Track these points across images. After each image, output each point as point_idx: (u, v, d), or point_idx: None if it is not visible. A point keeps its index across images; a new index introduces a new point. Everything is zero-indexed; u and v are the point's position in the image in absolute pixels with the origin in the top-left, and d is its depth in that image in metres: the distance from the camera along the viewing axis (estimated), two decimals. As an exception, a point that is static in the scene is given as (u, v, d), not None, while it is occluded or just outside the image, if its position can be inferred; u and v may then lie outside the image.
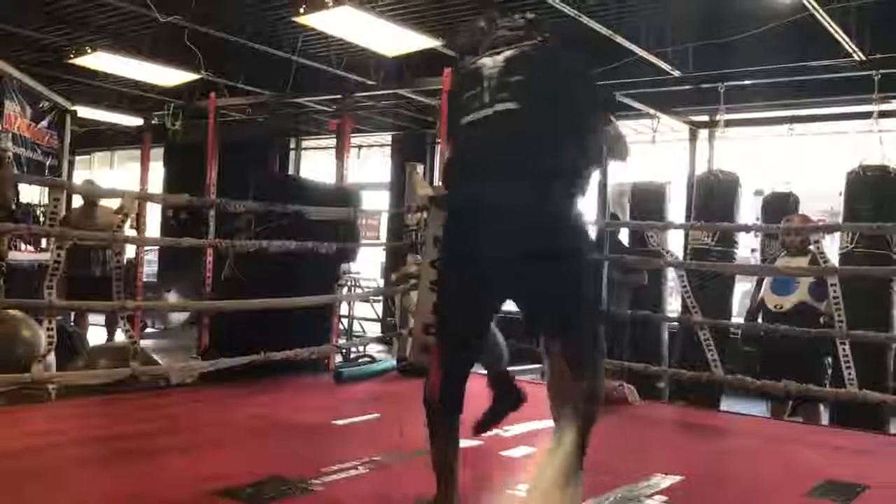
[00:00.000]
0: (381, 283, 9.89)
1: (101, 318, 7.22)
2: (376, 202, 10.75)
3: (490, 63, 2.54)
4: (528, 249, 2.33)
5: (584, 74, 2.64)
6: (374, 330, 9.89)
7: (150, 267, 10.61)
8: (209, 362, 4.73)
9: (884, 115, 7.18)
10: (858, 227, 5.74)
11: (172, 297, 10.19)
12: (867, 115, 7.10)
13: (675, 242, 7.41)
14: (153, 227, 10.56)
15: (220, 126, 7.85)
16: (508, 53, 2.55)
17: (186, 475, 2.92)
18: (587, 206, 2.85)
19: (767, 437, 4.25)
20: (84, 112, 9.99)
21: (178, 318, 10.74)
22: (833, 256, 6.13)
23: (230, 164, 7.80)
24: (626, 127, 9.04)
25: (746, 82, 7.66)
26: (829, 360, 4.97)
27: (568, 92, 2.51)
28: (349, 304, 9.45)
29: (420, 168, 10.51)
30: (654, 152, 8.78)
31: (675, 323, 6.65)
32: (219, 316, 5.63)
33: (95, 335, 7.07)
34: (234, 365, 4.62)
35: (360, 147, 11.90)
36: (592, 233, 2.82)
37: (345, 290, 8.65)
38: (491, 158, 2.47)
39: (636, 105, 8.00)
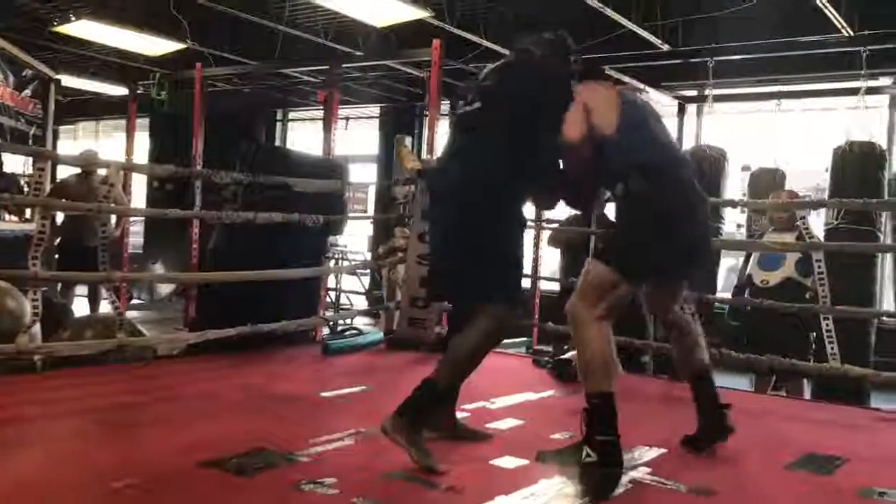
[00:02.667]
0: (369, 256, 9.89)
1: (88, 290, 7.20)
2: (364, 175, 10.72)
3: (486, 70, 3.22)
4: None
5: (532, 93, 3.05)
6: (362, 303, 9.91)
7: (135, 238, 10.57)
8: (196, 334, 4.73)
9: (871, 91, 7.21)
10: (844, 204, 5.78)
11: (158, 269, 10.16)
12: (855, 92, 7.12)
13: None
14: (139, 198, 10.51)
15: (206, 96, 7.78)
16: (496, 63, 3.25)
17: (172, 446, 2.93)
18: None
19: (750, 410, 4.29)
20: (68, 81, 9.89)
21: (164, 289, 10.72)
22: (819, 232, 6.18)
23: (216, 135, 7.74)
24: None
25: (735, 57, 7.65)
26: (814, 335, 5.02)
27: (517, 103, 3.01)
28: (336, 276, 9.46)
29: (408, 141, 10.47)
30: (643, 127, 8.77)
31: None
32: (205, 287, 5.62)
33: (82, 307, 7.04)
34: (220, 337, 4.62)
35: (347, 119, 11.83)
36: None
37: (332, 262, 8.65)
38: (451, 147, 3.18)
39: (625, 79, 7.98)
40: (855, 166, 6.32)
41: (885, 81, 7.64)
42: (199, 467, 2.67)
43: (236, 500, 2.47)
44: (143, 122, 10.86)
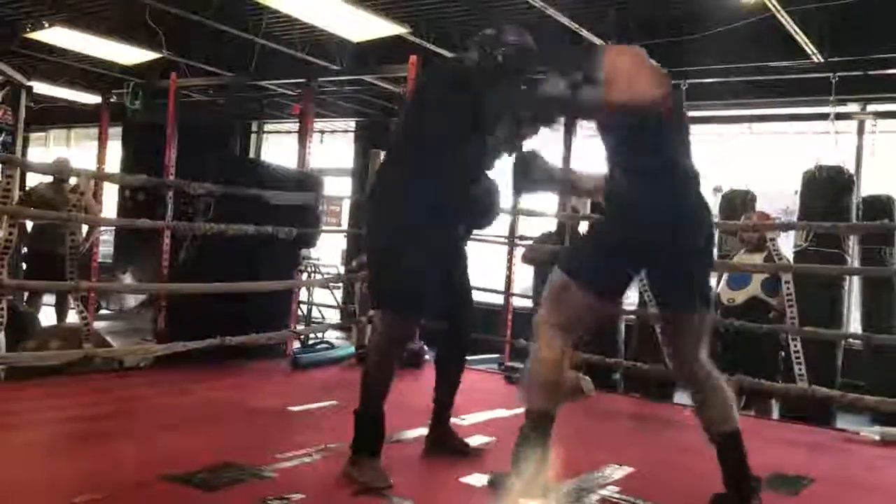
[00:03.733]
0: (342, 269, 9.84)
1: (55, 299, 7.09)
2: (339, 188, 10.69)
3: None
4: None
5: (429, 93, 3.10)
6: (334, 317, 9.85)
7: (105, 248, 10.43)
8: (164, 345, 4.67)
9: (840, 116, 7.33)
10: (813, 226, 5.85)
11: (128, 279, 10.04)
12: (824, 117, 7.23)
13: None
14: (110, 208, 10.39)
15: (180, 107, 7.72)
16: None
17: (135, 460, 2.89)
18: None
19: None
20: (40, 88, 9.76)
21: (133, 300, 10.58)
22: (788, 254, 6.26)
23: (190, 146, 7.68)
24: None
25: (708, 81, 7.74)
26: (783, 354, 5.07)
27: (408, 112, 3.14)
28: (308, 289, 9.40)
29: (383, 155, 10.46)
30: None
31: (632, 316, 6.71)
32: (175, 299, 5.55)
33: (48, 316, 6.93)
34: (189, 349, 4.57)
35: (322, 132, 11.80)
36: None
37: (304, 275, 8.60)
38: None
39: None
40: (824, 190, 6.42)
41: (853, 107, 7.78)
42: (163, 482, 2.63)
43: (201, 516, 2.43)
44: (115, 132, 10.77)
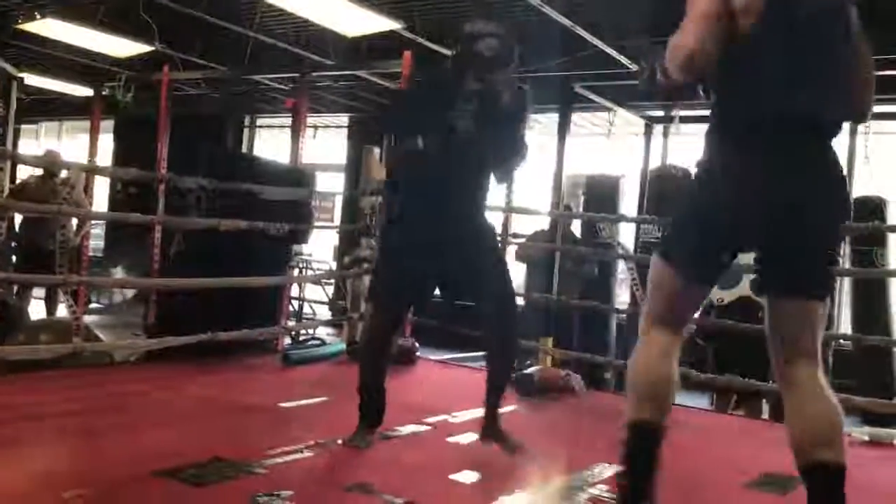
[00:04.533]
0: (334, 266, 9.82)
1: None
2: (331, 184, 10.66)
3: None
4: None
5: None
6: (325, 313, 9.83)
7: (96, 241, 10.38)
8: (155, 340, 4.65)
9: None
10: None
11: (119, 273, 9.98)
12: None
13: (626, 235, 7.50)
14: (102, 201, 10.33)
15: (173, 100, 7.68)
16: None
17: (126, 455, 2.87)
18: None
19: (710, 429, 4.33)
20: (32, 80, 9.70)
21: (124, 294, 10.53)
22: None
23: (182, 140, 7.64)
24: (583, 119, 9.17)
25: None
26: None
27: None
28: (300, 286, 9.38)
29: (377, 151, 10.44)
30: (610, 146, 8.86)
31: (624, 315, 6.72)
32: (166, 294, 5.53)
33: (39, 310, 6.90)
34: (179, 344, 4.55)
35: (315, 127, 11.77)
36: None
37: (296, 271, 8.57)
38: None
39: (594, 97, 8.05)
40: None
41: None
42: (154, 477, 2.61)
43: (191, 512, 2.42)
44: (107, 125, 10.71)
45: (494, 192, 3.40)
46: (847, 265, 6.87)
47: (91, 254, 8.36)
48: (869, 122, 7.69)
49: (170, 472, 2.65)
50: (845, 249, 6.85)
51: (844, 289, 7.20)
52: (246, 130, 12.75)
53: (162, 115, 7.27)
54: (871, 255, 6.88)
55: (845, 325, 7.22)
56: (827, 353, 6.19)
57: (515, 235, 8.22)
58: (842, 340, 6.53)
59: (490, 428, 3.29)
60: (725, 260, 2.26)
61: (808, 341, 2.11)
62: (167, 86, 7.44)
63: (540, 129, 9.82)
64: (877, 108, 7.95)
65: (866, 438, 4.29)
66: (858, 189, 7.42)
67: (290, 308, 7.84)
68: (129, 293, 10.27)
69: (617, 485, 2.25)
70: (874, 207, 6.96)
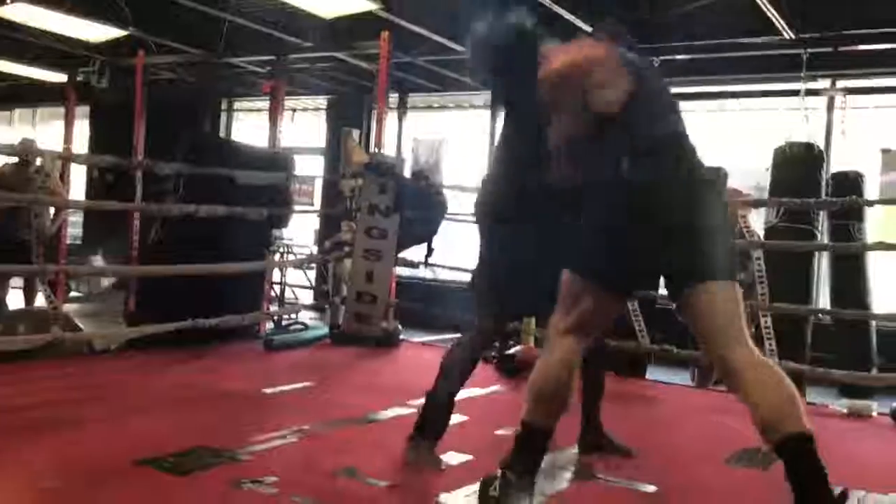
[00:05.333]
0: (315, 250, 9.79)
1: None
2: (310, 168, 10.59)
3: None
4: None
5: None
6: (307, 297, 9.81)
7: (74, 229, 10.28)
8: (135, 328, 4.62)
9: (810, 93, 7.38)
10: (783, 203, 5.90)
11: (98, 261, 9.90)
12: (796, 93, 7.28)
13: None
14: (78, 188, 10.22)
15: (149, 85, 7.60)
16: None
17: (107, 444, 2.86)
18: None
19: (691, 405, 4.37)
20: (4, 66, 9.55)
21: (104, 282, 10.45)
22: (759, 230, 6.30)
23: (159, 125, 7.56)
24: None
25: (678, 57, 7.75)
26: (754, 330, 5.13)
27: None
28: (281, 270, 9.34)
29: (356, 133, 10.38)
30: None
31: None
32: (146, 281, 5.49)
33: (17, 300, 6.82)
34: (160, 332, 4.52)
35: (294, 110, 11.68)
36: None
37: (277, 256, 8.54)
38: None
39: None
40: (794, 166, 6.46)
41: (824, 84, 7.83)
42: (136, 466, 2.60)
43: (174, 500, 2.41)
44: (83, 111, 10.59)
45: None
46: (825, 240, 6.92)
47: (69, 242, 8.29)
48: (846, 97, 7.75)
49: (152, 460, 2.64)
50: (823, 224, 6.90)
51: (823, 264, 7.26)
52: (223, 114, 12.62)
53: (137, 100, 7.20)
54: (849, 230, 6.93)
55: (824, 300, 7.29)
56: (806, 328, 6.26)
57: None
58: (820, 315, 6.58)
59: (601, 442, 3.14)
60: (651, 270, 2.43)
61: (734, 327, 2.20)
62: (142, 71, 7.36)
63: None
64: (853, 84, 8.02)
65: (845, 411, 4.35)
66: (836, 164, 7.47)
67: (272, 293, 7.82)
68: (109, 281, 10.20)
69: (500, 470, 2.36)
70: (851, 182, 7.01)
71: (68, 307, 5.73)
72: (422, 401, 3.83)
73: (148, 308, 5.19)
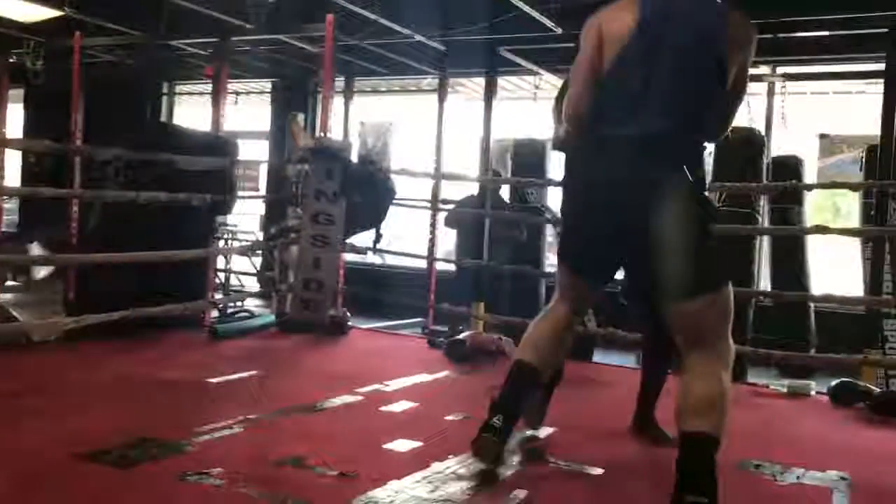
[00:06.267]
0: (260, 236, 9.66)
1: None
2: (255, 152, 10.44)
3: None
4: None
5: None
6: (253, 285, 9.68)
7: (11, 216, 9.97)
8: (75, 319, 4.50)
9: (752, 79, 7.49)
10: (726, 187, 6.01)
11: (35, 249, 9.61)
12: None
13: (554, 200, 7.57)
14: (13, 175, 9.90)
15: (87, 68, 7.37)
16: None
17: (46, 438, 2.77)
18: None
19: (637, 387, 4.42)
20: (-69, 48, 9.17)
21: (41, 271, 10.15)
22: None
23: (98, 110, 7.36)
24: (510, 83, 9.17)
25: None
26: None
27: None
28: (226, 257, 9.20)
29: (301, 118, 10.25)
30: (537, 109, 8.87)
31: (553, 278, 6.81)
32: (86, 270, 5.35)
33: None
34: (101, 322, 4.41)
35: (237, 94, 11.48)
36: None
37: (221, 243, 8.41)
38: None
39: (519, 61, 8.04)
40: (736, 151, 6.58)
41: (764, 70, 7.98)
42: (76, 460, 2.53)
43: (117, 494, 2.35)
44: (17, 94, 10.23)
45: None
46: (765, 223, 7.08)
47: (4, 230, 8.04)
48: (785, 83, 7.91)
49: (94, 455, 2.58)
50: (764, 209, 7.05)
51: (764, 247, 7.43)
52: (164, 98, 12.34)
53: (74, 83, 6.98)
54: (789, 214, 7.10)
55: (765, 282, 7.46)
56: (747, 310, 6.40)
57: (445, 201, 8.21)
58: (761, 297, 6.73)
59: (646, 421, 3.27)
60: (613, 264, 2.65)
61: (698, 334, 2.36)
62: (79, 53, 7.14)
63: (466, 93, 9.80)
64: (792, 69, 8.18)
65: (785, 391, 4.46)
66: (776, 149, 7.63)
67: (217, 281, 7.70)
68: (47, 270, 9.91)
69: (491, 403, 2.64)
70: (791, 167, 7.18)
71: (4, 297, 5.54)
72: (372, 388, 3.84)
73: (88, 298, 5.06)
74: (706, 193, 2.49)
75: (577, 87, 2.54)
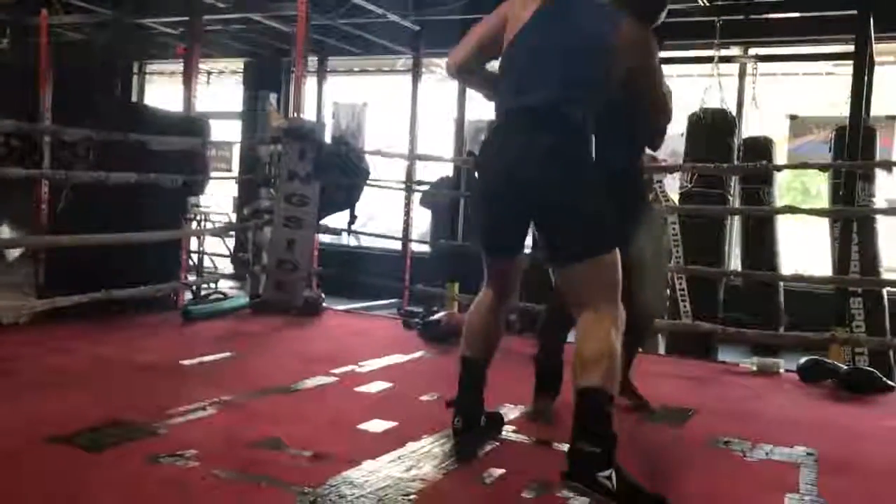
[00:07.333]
0: (234, 217, 9.60)
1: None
2: (227, 133, 10.34)
3: None
4: None
5: None
6: (226, 266, 9.62)
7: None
8: (45, 301, 4.45)
9: (724, 60, 7.55)
10: (697, 168, 6.06)
11: (3, 231, 9.48)
12: (709, 60, 7.43)
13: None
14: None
15: (55, 47, 7.24)
16: None
17: (16, 422, 2.74)
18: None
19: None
20: None
21: (11, 253, 10.02)
22: (674, 195, 6.46)
23: (67, 89, 7.22)
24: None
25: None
26: (668, 292, 5.28)
27: None
28: (199, 239, 9.13)
29: (273, 98, 10.16)
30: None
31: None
32: (56, 251, 5.29)
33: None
34: (71, 304, 4.37)
35: (209, 73, 11.35)
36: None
37: (193, 224, 8.34)
38: None
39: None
40: (707, 132, 6.63)
41: (736, 51, 8.03)
42: (47, 443, 2.51)
43: (88, 477, 2.33)
44: (-18, 73, 10.03)
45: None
46: (737, 203, 7.15)
47: (-29, 211, 7.89)
48: (756, 65, 7.96)
49: (66, 438, 2.56)
50: (735, 189, 7.12)
51: (735, 227, 7.51)
52: (135, 78, 12.18)
53: (42, 62, 6.86)
54: (759, 194, 7.18)
55: (736, 262, 7.55)
56: (719, 289, 6.48)
57: (420, 182, 8.20)
58: (732, 276, 6.82)
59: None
60: (515, 233, 2.66)
61: (586, 295, 2.43)
62: (46, 31, 7.01)
63: (441, 73, 9.76)
64: (763, 51, 8.24)
65: (754, 368, 4.53)
66: (748, 130, 7.70)
67: (190, 262, 7.65)
68: (17, 252, 9.78)
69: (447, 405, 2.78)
70: (761, 148, 7.25)
71: (-29, 280, 5.47)
72: (346, 369, 3.84)
73: (59, 280, 4.99)
74: (591, 161, 2.54)
75: (465, 39, 2.75)
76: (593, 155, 2.56)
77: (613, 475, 2.19)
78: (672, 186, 6.51)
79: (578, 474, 2.23)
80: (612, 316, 2.39)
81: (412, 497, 2.25)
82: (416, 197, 8.14)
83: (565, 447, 2.79)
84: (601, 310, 2.38)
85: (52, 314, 4.41)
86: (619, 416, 3.31)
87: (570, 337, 2.67)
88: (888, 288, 6.37)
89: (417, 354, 4.43)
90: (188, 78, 7.11)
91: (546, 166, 2.41)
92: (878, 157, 6.66)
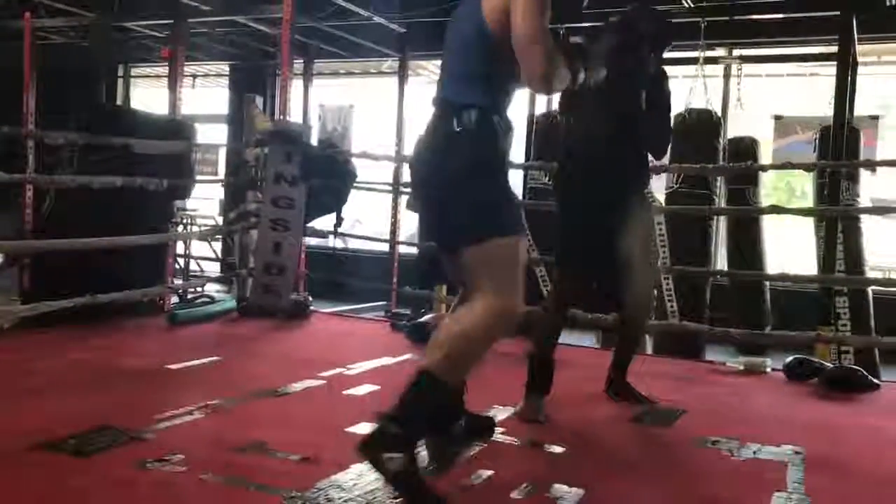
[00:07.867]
0: (220, 220, 9.56)
1: None
2: (213, 136, 10.31)
3: None
4: None
5: None
6: (213, 270, 9.59)
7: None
8: (30, 306, 4.42)
9: (709, 61, 7.59)
10: (683, 169, 6.08)
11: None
12: (694, 61, 7.46)
13: (514, 181, 7.60)
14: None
15: (39, 50, 7.19)
16: None
17: (3, 428, 2.72)
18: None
19: (597, 366, 4.46)
20: None
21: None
22: (660, 196, 6.49)
23: (51, 93, 7.20)
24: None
25: (581, 25, 7.83)
26: (655, 292, 5.30)
27: None
28: (185, 242, 9.09)
29: (259, 101, 10.13)
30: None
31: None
32: (42, 256, 5.25)
33: None
34: (57, 309, 4.34)
35: (194, 77, 11.31)
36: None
37: (180, 227, 8.30)
38: None
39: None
40: (693, 133, 6.66)
41: (721, 52, 8.07)
42: (33, 450, 2.49)
43: (75, 484, 2.32)
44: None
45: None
46: (722, 204, 7.19)
47: (-45, 217, 7.83)
48: (741, 66, 8.00)
49: (51, 444, 2.54)
50: (721, 189, 7.15)
51: (721, 227, 7.54)
52: (120, 81, 12.11)
53: (26, 65, 6.82)
54: (745, 194, 7.22)
55: (722, 262, 7.58)
56: (705, 288, 6.50)
57: (406, 185, 8.18)
58: (718, 276, 6.85)
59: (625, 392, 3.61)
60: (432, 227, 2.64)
61: (474, 282, 2.36)
62: (30, 34, 6.97)
63: (427, 76, 9.76)
64: (748, 52, 8.26)
65: (741, 368, 4.55)
66: (733, 131, 7.74)
67: (176, 266, 7.62)
68: (1, 257, 9.71)
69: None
70: (746, 148, 7.29)
71: (-45, 285, 5.43)
72: (334, 372, 3.83)
73: (44, 284, 4.96)
74: (483, 152, 2.40)
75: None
76: (494, 148, 2.41)
77: (402, 461, 2.16)
78: (658, 187, 6.53)
79: (368, 447, 2.21)
80: (489, 304, 2.27)
81: (400, 500, 2.24)
82: (403, 199, 8.13)
83: (556, 448, 2.82)
84: (481, 297, 2.28)
85: (39, 319, 4.37)
86: (608, 417, 3.33)
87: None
88: (873, 287, 6.41)
89: (406, 357, 4.42)
90: (173, 81, 7.07)
91: (435, 155, 2.42)
92: (862, 157, 6.71)
